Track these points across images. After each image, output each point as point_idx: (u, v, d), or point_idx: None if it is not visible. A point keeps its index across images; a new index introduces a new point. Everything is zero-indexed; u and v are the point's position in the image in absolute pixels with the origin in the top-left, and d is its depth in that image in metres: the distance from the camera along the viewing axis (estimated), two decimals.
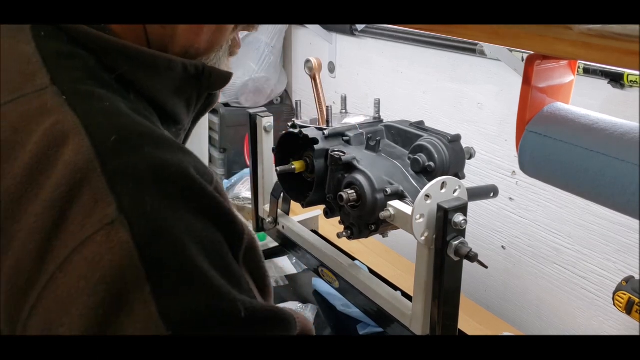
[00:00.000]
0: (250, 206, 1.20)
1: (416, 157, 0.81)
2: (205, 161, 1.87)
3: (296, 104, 0.98)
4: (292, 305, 1.13)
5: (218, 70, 0.57)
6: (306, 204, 0.88)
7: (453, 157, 0.81)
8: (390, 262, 1.33)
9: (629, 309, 0.85)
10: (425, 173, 0.81)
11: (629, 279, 0.87)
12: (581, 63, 0.98)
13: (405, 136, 0.87)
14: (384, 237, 0.89)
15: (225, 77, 0.58)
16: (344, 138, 0.86)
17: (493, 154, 1.26)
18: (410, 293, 0.78)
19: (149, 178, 0.41)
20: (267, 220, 1.11)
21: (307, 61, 0.98)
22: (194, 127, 0.63)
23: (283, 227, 1.09)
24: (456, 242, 0.68)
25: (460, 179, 0.80)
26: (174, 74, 0.52)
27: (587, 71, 1.00)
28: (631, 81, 0.95)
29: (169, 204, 0.41)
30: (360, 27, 1.60)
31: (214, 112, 1.91)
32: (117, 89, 0.48)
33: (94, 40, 0.48)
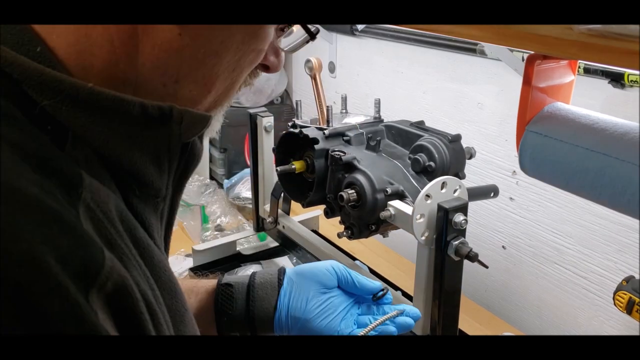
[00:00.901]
0: (251, 206, 1.20)
1: (416, 157, 0.81)
2: (206, 161, 1.86)
3: (296, 103, 0.98)
4: None
5: (191, 112, 0.44)
6: (306, 204, 0.88)
7: (453, 157, 0.81)
8: (390, 262, 1.32)
9: (629, 308, 0.85)
10: (426, 173, 0.81)
11: (629, 279, 0.87)
12: (581, 63, 0.97)
13: (406, 136, 0.87)
14: (384, 237, 0.89)
15: (202, 120, 0.46)
16: (344, 138, 0.86)
17: (493, 153, 1.26)
18: (410, 293, 0.78)
19: None
20: (268, 220, 1.12)
21: (307, 61, 0.98)
22: (180, 197, 0.50)
23: (283, 227, 1.09)
24: (456, 242, 0.68)
25: (460, 178, 0.81)
26: (127, 117, 0.40)
27: (587, 71, 1.00)
28: (631, 81, 0.95)
29: None
30: (360, 27, 1.60)
31: None
32: (37, 133, 0.37)
33: (10, 65, 0.37)
